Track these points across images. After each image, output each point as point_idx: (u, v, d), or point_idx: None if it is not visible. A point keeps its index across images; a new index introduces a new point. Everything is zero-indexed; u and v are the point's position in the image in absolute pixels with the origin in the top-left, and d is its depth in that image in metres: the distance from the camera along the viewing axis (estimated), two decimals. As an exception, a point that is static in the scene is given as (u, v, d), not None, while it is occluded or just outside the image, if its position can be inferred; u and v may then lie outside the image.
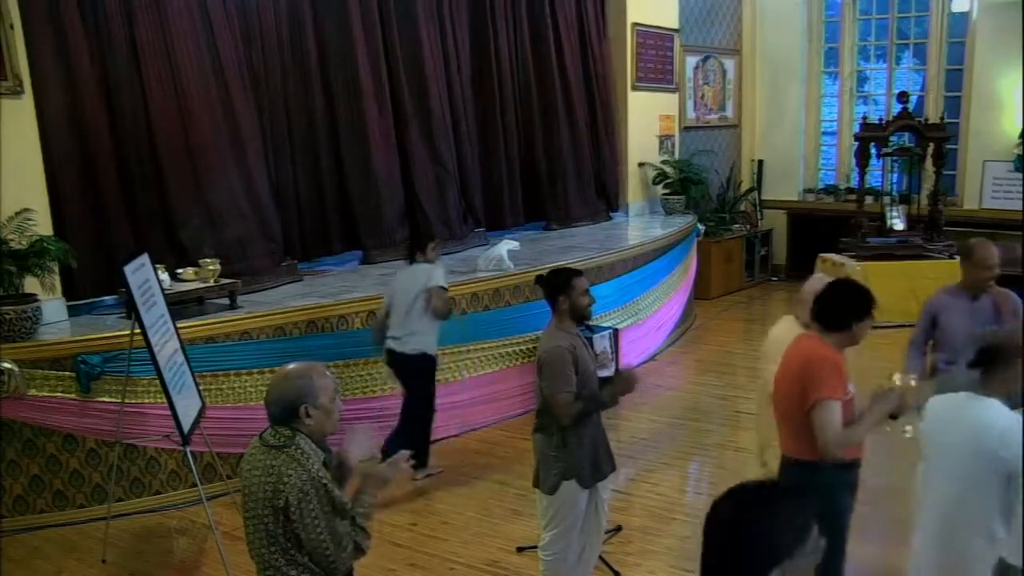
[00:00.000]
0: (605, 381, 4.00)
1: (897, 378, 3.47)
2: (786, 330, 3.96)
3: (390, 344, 5.58)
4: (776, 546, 1.60)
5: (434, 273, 5.52)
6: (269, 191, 6.84)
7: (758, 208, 11.95)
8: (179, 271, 6.09)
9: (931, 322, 4.40)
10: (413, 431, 5.54)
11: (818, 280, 4.00)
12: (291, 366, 2.69)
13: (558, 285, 3.83)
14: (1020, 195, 9.78)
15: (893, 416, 3.42)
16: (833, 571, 3.39)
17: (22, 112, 5.35)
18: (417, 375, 5.60)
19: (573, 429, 3.73)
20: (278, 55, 7.04)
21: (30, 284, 5.26)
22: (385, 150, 7.62)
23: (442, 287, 5.48)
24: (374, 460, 2.69)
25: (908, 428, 3.53)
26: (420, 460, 5.51)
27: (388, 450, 5.18)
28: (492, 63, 8.79)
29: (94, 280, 6.05)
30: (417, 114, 7.90)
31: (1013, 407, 2.93)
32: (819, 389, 3.19)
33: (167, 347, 4.69)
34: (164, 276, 5.63)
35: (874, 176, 10.70)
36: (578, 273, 3.91)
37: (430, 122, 7.98)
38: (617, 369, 4.10)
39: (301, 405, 2.58)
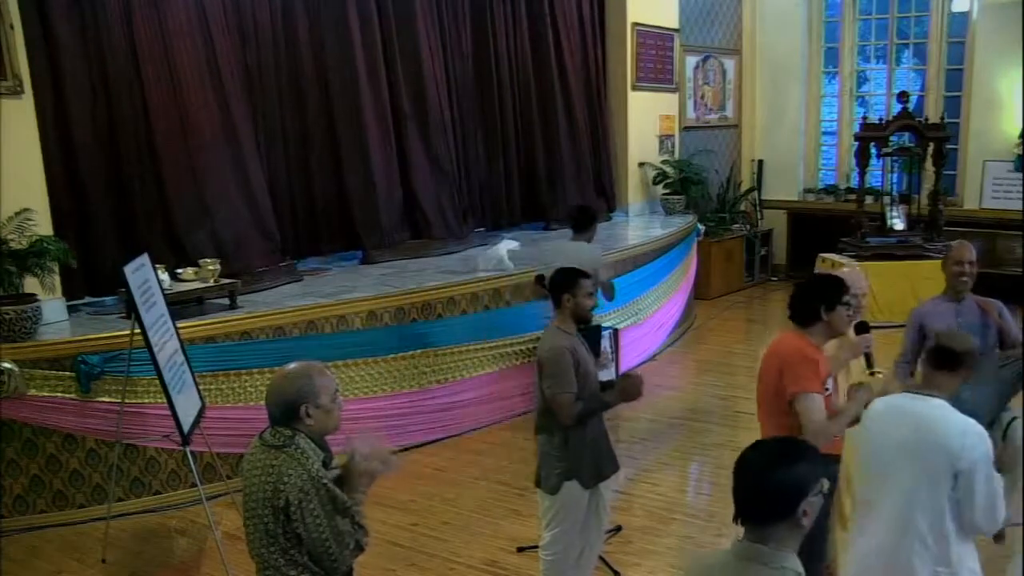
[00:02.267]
0: (607, 384, 4.00)
1: (867, 373, 3.56)
2: None
3: None
4: (802, 484, 1.96)
5: (599, 264, 5.89)
6: (266, 191, 6.84)
7: (758, 208, 11.95)
8: (179, 271, 6.09)
9: (919, 332, 4.27)
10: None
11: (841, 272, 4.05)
12: (291, 366, 2.68)
13: (564, 283, 3.84)
14: (1020, 195, 9.78)
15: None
16: (818, 556, 3.43)
17: (22, 112, 5.34)
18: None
19: (575, 429, 3.74)
20: (273, 54, 7.04)
21: (30, 284, 5.26)
22: (383, 150, 7.61)
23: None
24: (367, 456, 2.68)
25: None
26: None
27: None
28: (491, 62, 8.79)
29: (94, 280, 6.05)
30: (415, 114, 7.89)
31: (988, 414, 2.99)
32: (796, 382, 3.26)
33: (167, 347, 4.69)
34: (164, 276, 5.63)
35: (874, 176, 10.69)
36: (585, 275, 3.92)
37: (428, 122, 7.96)
38: (623, 372, 4.14)
39: (301, 405, 2.57)
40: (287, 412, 2.59)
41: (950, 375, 2.99)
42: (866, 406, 3.42)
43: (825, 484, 1.99)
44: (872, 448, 3.00)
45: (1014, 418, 3.77)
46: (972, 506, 2.78)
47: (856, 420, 3.36)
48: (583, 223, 6.08)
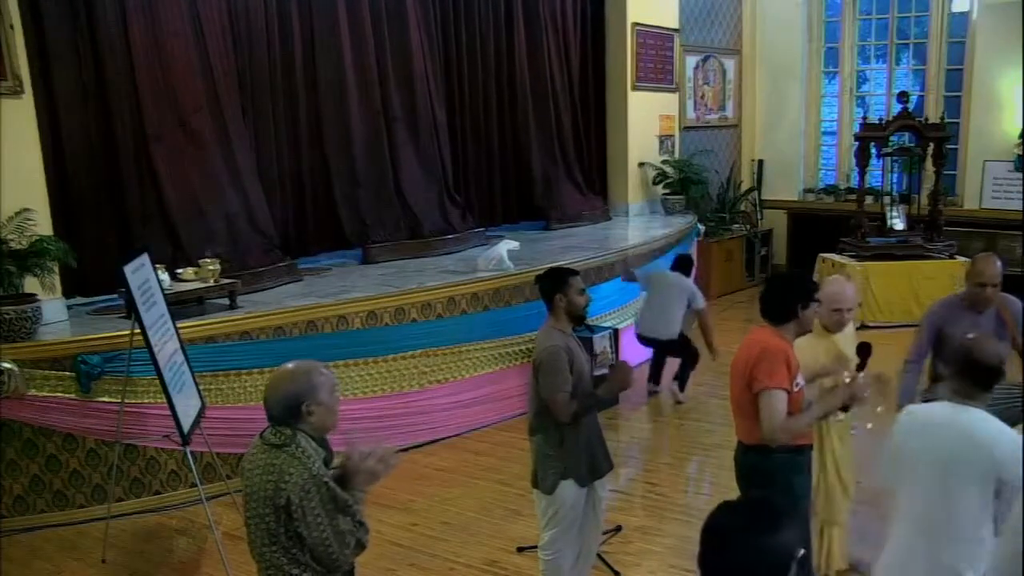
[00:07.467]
0: (599, 379, 4.01)
1: (846, 376, 3.58)
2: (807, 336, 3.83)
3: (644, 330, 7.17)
4: (789, 552, 1.67)
5: (696, 293, 7.04)
6: (261, 190, 6.85)
7: (758, 208, 11.95)
8: (179, 271, 6.09)
9: (935, 336, 4.16)
10: (688, 359, 7.18)
11: (832, 282, 4.02)
12: (288, 365, 2.69)
13: (555, 284, 3.85)
14: (1020, 195, 9.78)
15: (844, 408, 3.53)
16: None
17: (22, 112, 5.34)
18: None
19: (570, 428, 3.74)
20: (267, 55, 7.03)
21: (30, 284, 5.26)
22: (371, 150, 7.62)
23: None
24: (367, 455, 2.67)
25: (869, 424, 3.88)
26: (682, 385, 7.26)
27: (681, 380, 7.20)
28: (487, 62, 8.80)
29: (93, 280, 6.05)
30: (404, 115, 7.89)
31: (1011, 423, 2.95)
32: (763, 379, 3.28)
33: (167, 347, 4.69)
34: (164, 276, 5.63)
35: (874, 176, 10.69)
36: (574, 272, 3.94)
37: (417, 122, 7.96)
38: (611, 363, 4.15)
39: (303, 403, 2.58)
40: (288, 410, 2.59)
41: (984, 392, 2.89)
42: (844, 407, 3.46)
43: (801, 553, 1.70)
44: (917, 455, 2.92)
45: None
46: (1007, 515, 2.75)
47: (822, 416, 3.42)
48: (686, 268, 7.40)
